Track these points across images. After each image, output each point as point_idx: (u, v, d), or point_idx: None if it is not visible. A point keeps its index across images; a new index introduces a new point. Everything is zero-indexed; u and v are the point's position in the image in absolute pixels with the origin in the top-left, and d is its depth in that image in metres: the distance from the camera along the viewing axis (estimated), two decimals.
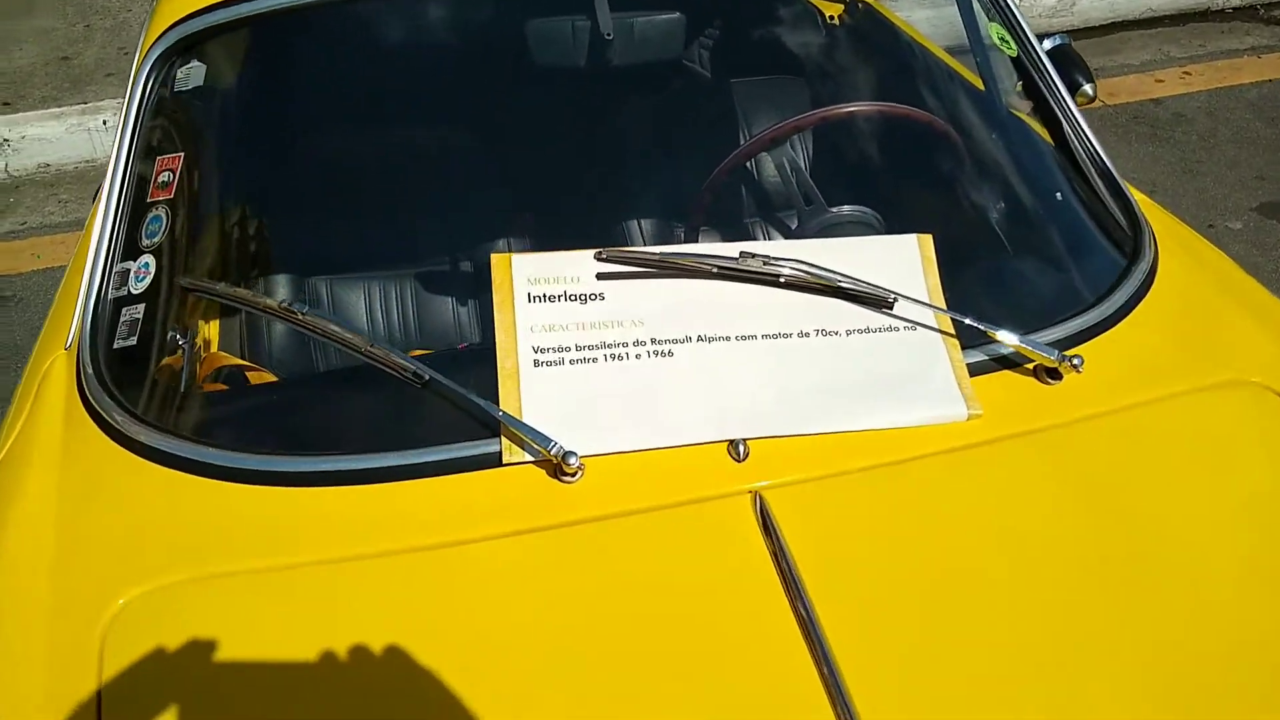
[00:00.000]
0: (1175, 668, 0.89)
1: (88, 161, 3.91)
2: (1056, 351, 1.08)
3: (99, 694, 0.87)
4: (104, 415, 1.10)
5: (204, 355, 1.29)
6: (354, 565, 0.95)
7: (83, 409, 1.13)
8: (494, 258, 1.09)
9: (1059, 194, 1.37)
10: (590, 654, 0.89)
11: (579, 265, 1.11)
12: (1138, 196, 1.37)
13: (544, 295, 1.08)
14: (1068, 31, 3.97)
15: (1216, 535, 1.00)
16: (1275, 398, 1.12)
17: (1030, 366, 1.12)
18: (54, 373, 1.21)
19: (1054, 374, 1.10)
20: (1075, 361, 1.07)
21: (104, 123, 3.88)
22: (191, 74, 1.27)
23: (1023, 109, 1.55)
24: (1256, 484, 1.06)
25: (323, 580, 0.94)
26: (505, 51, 1.55)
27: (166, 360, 1.17)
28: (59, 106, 3.96)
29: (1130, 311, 1.19)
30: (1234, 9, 4.52)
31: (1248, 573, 0.97)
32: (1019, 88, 1.55)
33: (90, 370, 1.15)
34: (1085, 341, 1.15)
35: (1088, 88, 1.60)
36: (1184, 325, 1.21)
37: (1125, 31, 4.37)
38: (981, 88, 1.58)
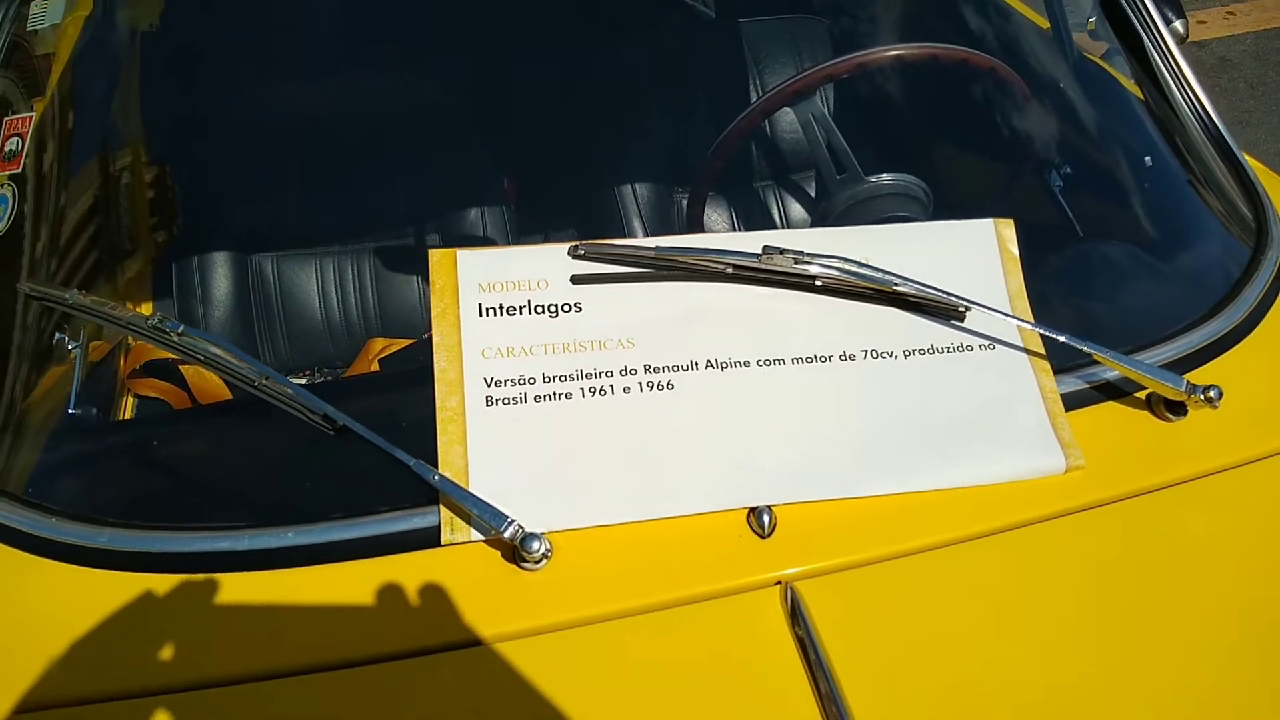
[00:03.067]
0: None
1: None
2: (1184, 381, 0.80)
3: None
4: None
5: (130, 345, 1.02)
6: (223, 693, 0.68)
7: None
8: (432, 254, 0.81)
9: (1157, 163, 1.08)
10: None
11: (548, 264, 0.83)
12: (1255, 166, 1.09)
13: (500, 306, 0.80)
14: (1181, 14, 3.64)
15: None
16: None
17: (1143, 396, 0.85)
18: None
19: (1177, 408, 0.83)
20: (1211, 394, 0.80)
21: None
22: (50, 6, 0.98)
23: (1099, 54, 1.26)
24: None
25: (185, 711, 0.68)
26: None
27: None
28: None
29: (1264, 317, 0.92)
30: None
31: None
32: (1092, 25, 1.27)
33: None
34: (1209, 360, 0.88)
35: (1178, 24, 1.31)
36: None
37: None
38: (1047, 27, 1.29)
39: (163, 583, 0.73)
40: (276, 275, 1.35)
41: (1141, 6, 1.15)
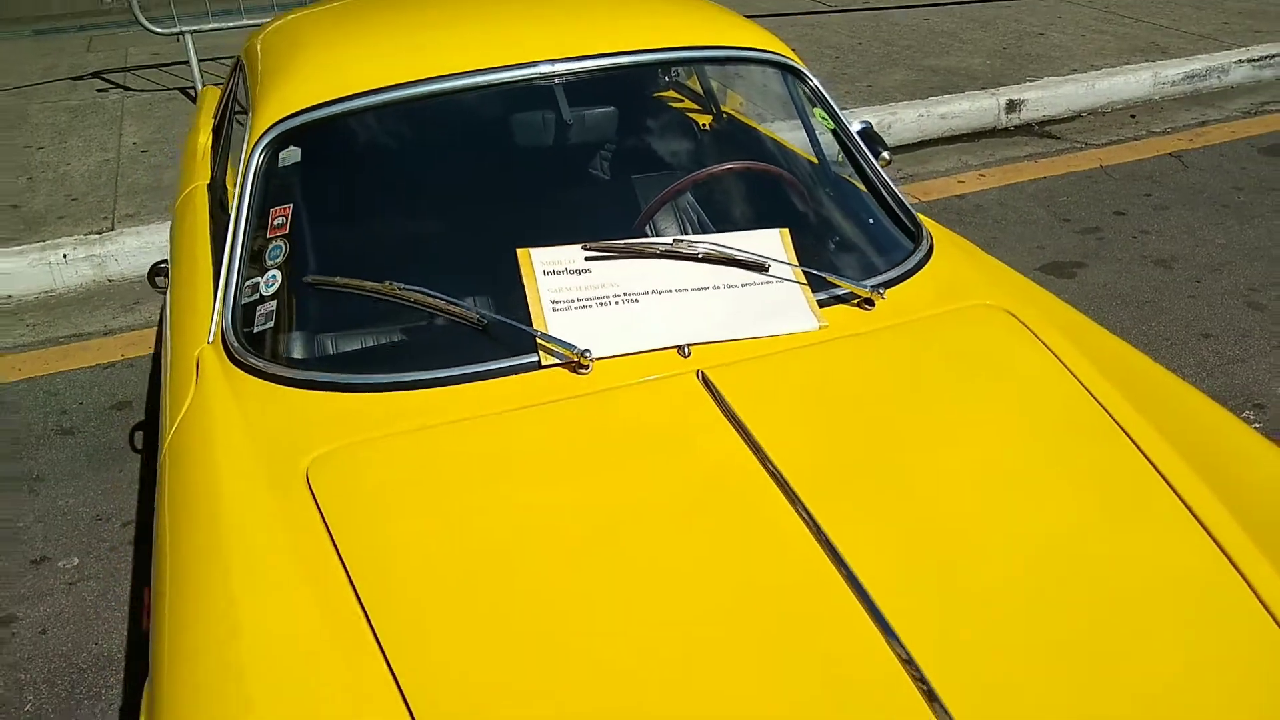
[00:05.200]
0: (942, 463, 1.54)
1: (48, 291, 4.33)
2: (869, 285, 1.77)
3: (318, 509, 1.40)
4: (261, 370, 1.65)
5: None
6: (452, 426, 1.53)
7: (240, 370, 1.68)
8: (519, 251, 1.72)
9: (868, 209, 2.09)
10: (606, 468, 1.49)
11: (572, 254, 1.74)
12: (935, 226, 2.11)
13: (554, 270, 1.71)
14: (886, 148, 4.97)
15: (969, 377, 1.68)
16: (1001, 311, 1.83)
17: (855, 303, 1.80)
18: (205, 358, 1.75)
19: (869, 303, 1.79)
20: (881, 291, 1.76)
21: (64, 256, 4.34)
22: (290, 154, 1.88)
23: (843, 169, 2.30)
24: (987, 349, 1.76)
25: (438, 435, 1.52)
26: (503, 136, 2.19)
27: (298, 332, 1.74)
28: (18, 245, 4.39)
29: (916, 272, 1.90)
30: (1015, 127, 5.63)
31: (981, 388, 1.66)
32: (840, 156, 2.31)
33: (239, 344, 1.71)
34: (889, 287, 1.84)
35: (885, 154, 2.36)
36: (951, 278, 1.92)
37: (933, 147, 5.40)
38: (814, 160, 2.33)
39: (414, 395, 1.57)
40: None
41: (857, 143, 2.18)
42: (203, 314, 1.88)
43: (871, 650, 1.20)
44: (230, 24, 6.18)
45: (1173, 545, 1.40)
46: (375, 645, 1.21)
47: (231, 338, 1.74)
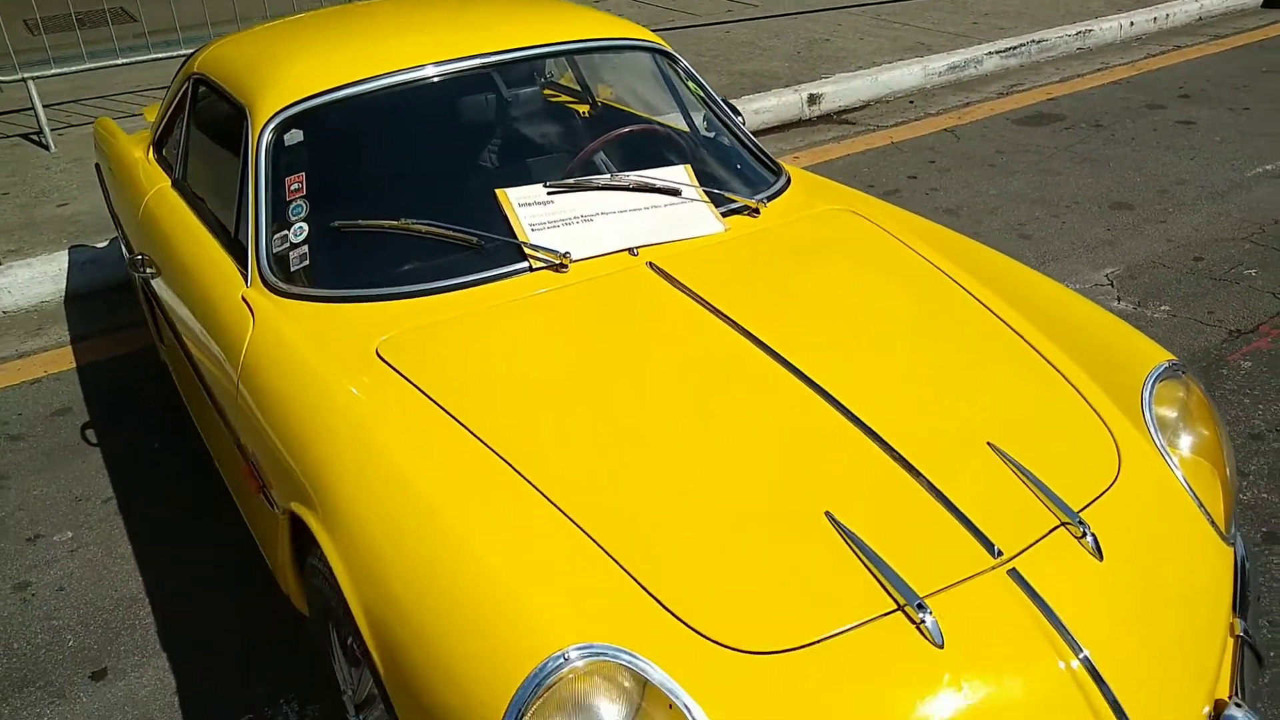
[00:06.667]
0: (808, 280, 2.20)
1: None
2: (758, 197, 2.42)
3: (400, 374, 1.90)
4: (311, 295, 2.12)
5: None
6: (481, 313, 2.06)
7: (289, 300, 2.14)
8: (499, 192, 2.27)
9: (739, 152, 2.76)
10: (608, 325, 2.06)
11: (538, 191, 2.31)
12: (797, 170, 2.79)
13: (527, 203, 2.27)
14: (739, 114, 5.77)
15: (840, 254, 2.36)
16: (850, 213, 2.52)
17: (745, 213, 2.44)
18: (254, 298, 2.19)
19: (755, 212, 2.44)
20: (764, 201, 2.42)
21: None
22: (294, 135, 2.35)
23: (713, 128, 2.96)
24: (846, 236, 2.45)
25: (467, 321, 2.04)
26: (458, 111, 2.72)
27: (332, 266, 2.21)
28: None
29: (782, 193, 2.57)
30: (817, 117, 6.53)
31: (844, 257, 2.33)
32: (707, 120, 2.96)
33: (282, 283, 2.17)
34: (769, 201, 2.50)
35: (740, 118, 3.04)
36: (809, 194, 2.61)
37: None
38: (692, 123, 2.98)
39: (442, 298, 2.09)
40: None
41: (725, 111, 2.84)
42: (225, 270, 2.33)
43: (824, 413, 1.83)
44: (73, 69, 6.31)
45: (993, 345, 2.11)
46: (502, 461, 1.70)
47: (273, 279, 2.20)
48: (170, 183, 2.97)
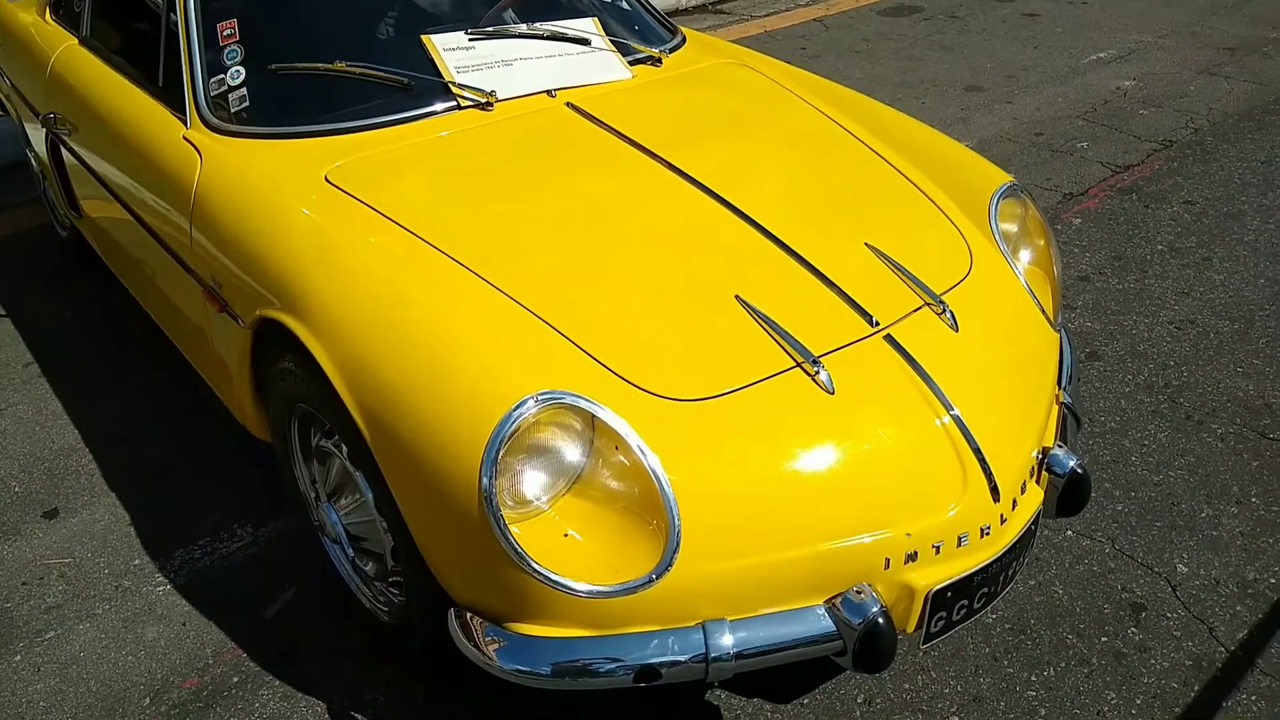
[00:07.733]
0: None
1: None
2: (659, 49, 2.67)
3: (350, 195, 2.09)
4: (255, 133, 2.27)
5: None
6: (418, 144, 2.26)
7: (234, 139, 2.28)
8: (424, 38, 2.44)
9: (640, 13, 2.99)
10: (536, 153, 2.29)
11: (460, 37, 2.49)
12: (692, 31, 3.03)
13: (451, 48, 2.45)
14: None
15: (736, 97, 2.64)
16: (741, 65, 2.80)
17: (649, 63, 2.69)
18: (198, 139, 2.31)
19: (657, 61, 2.69)
20: (666, 52, 2.67)
21: None
22: None
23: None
24: (739, 82, 2.73)
25: (405, 151, 2.24)
26: None
27: (273, 105, 2.36)
28: None
29: (681, 47, 2.83)
30: (694, 7, 6.75)
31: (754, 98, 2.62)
32: None
33: (224, 123, 2.31)
34: (671, 52, 2.76)
35: None
36: (704, 50, 2.88)
37: None
38: None
39: (376, 133, 2.28)
40: None
41: None
42: (160, 117, 2.44)
43: (727, 219, 2.13)
44: None
45: (866, 168, 2.44)
46: (451, 260, 1.93)
47: (214, 120, 2.33)
48: (77, 40, 2.99)
